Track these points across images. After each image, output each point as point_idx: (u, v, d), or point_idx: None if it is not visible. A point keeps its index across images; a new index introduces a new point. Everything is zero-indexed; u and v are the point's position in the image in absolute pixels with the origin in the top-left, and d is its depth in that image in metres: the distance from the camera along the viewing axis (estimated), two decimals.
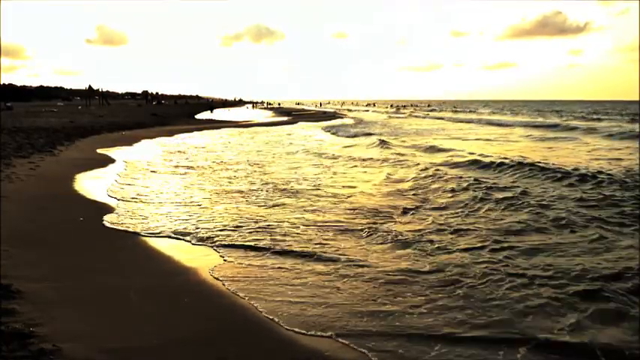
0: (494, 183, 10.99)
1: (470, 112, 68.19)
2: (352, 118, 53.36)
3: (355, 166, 14.58)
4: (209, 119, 46.35)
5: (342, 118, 54.22)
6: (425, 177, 11.85)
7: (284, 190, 10.47)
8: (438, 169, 12.81)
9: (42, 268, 5.40)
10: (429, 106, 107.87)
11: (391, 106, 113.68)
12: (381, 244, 6.55)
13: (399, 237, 6.77)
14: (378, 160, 15.74)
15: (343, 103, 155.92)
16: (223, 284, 5.20)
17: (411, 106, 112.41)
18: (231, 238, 6.83)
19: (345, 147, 20.64)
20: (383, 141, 21.30)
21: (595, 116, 49.89)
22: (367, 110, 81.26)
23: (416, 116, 57.26)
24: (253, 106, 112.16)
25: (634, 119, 41.90)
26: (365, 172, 13.45)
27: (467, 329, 4.17)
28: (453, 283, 5.18)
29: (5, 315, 4.09)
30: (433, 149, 18.91)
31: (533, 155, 16.49)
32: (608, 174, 11.74)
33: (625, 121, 38.84)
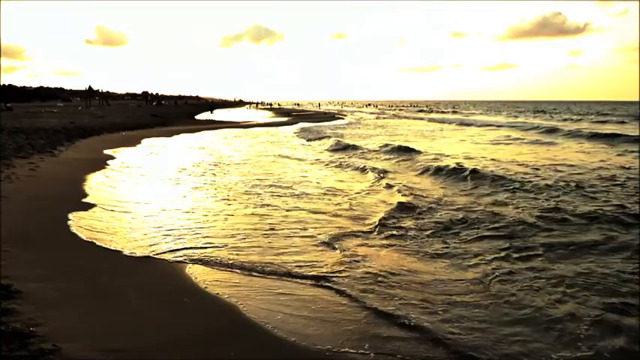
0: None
1: (453, 112, 71.29)
2: (349, 119, 54.09)
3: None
4: (209, 120, 46.36)
5: (342, 119, 54.69)
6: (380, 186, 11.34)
7: (275, 194, 10.44)
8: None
9: (42, 268, 5.40)
10: (427, 106, 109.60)
11: (390, 106, 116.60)
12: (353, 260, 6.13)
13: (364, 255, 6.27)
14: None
15: (343, 104, 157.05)
16: (221, 287, 5.21)
17: (411, 106, 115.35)
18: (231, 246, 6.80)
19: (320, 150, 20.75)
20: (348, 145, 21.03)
21: (576, 117, 51.22)
22: (354, 112, 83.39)
23: (398, 117, 60.79)
24: (256, 107, 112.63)
25: (620, 121, 43.47)
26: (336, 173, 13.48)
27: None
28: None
29: (5, 315, 4.09)
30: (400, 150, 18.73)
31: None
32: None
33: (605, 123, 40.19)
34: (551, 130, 30.15)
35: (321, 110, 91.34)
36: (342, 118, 55.68)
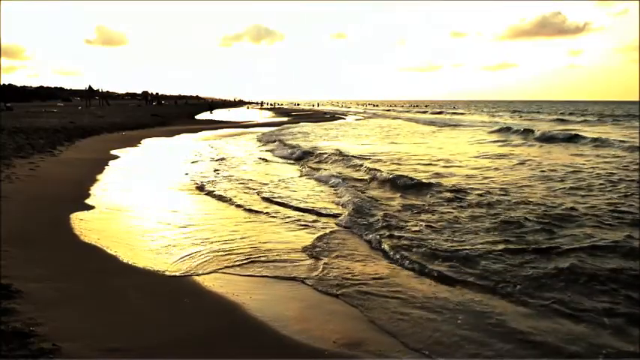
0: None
1: (439, 113, 72.59)
2: (346, 120, 54.35)
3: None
4: (209, 120, 46.36)
5: (343, 118, 54.94)
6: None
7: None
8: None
9: (42, 268, 5.40)
10: (426, 106, 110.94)
11: (388, 106, 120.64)
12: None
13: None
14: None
15: (342, 104, 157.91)
16: (222, 286, 5.21)
17: (410, 106, 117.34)
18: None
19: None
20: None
21: (560, 118, 51.41)
22: (349, 113, 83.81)
23: (379, 116, 62.62)
24: (260, 107, 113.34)
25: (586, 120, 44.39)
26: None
27: None
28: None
29: (5, 315, 4.09)
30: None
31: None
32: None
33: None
34: (518, 131, 28.90)
35: (321, 110, 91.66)
36: (343, 118, 56.05)
